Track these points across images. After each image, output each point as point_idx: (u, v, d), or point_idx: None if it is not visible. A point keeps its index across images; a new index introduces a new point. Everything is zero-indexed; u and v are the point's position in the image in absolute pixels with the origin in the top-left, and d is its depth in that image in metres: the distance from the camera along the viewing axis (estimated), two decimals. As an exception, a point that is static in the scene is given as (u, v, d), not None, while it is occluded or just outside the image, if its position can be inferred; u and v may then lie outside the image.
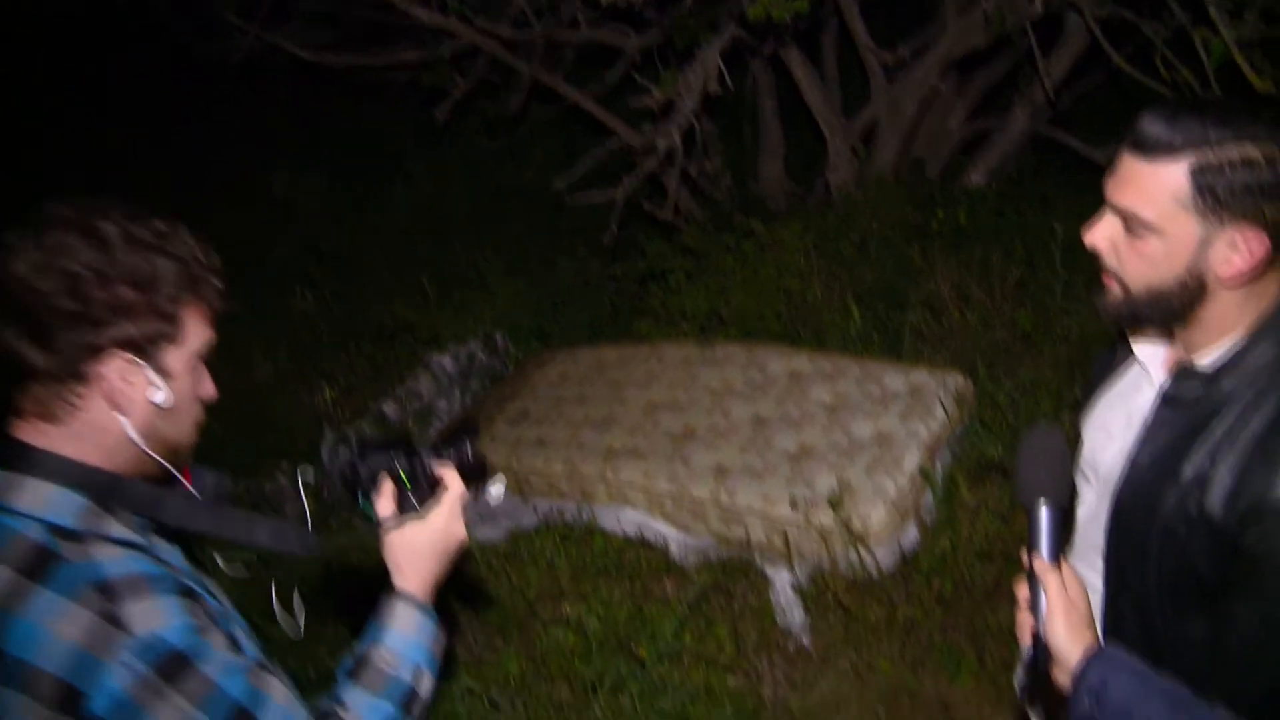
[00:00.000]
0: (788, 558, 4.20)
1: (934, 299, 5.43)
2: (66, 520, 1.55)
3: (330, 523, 4.65)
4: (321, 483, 1.94)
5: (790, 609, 4.14)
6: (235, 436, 5.89)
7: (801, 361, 5.07)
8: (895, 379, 4.79)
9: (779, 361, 5.10)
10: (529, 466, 4.86)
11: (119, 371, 1.58)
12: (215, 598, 1.74)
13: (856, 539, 4.05)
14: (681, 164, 5.60)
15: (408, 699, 1.77)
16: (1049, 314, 5.26)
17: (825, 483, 4.26)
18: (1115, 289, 1.79)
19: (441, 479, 1.92)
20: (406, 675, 1.77)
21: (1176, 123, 1.63)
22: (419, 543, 1.86)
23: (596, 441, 4.88)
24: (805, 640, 4.08)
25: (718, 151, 7.02)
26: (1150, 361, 1.94)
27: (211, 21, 6.34)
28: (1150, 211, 1.67)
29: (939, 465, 4.40)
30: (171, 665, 1.48)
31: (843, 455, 4.41)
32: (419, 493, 1.90)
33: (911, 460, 4.33)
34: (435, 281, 6.90)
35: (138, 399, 1.61)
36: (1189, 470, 1.77)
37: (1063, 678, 1.67)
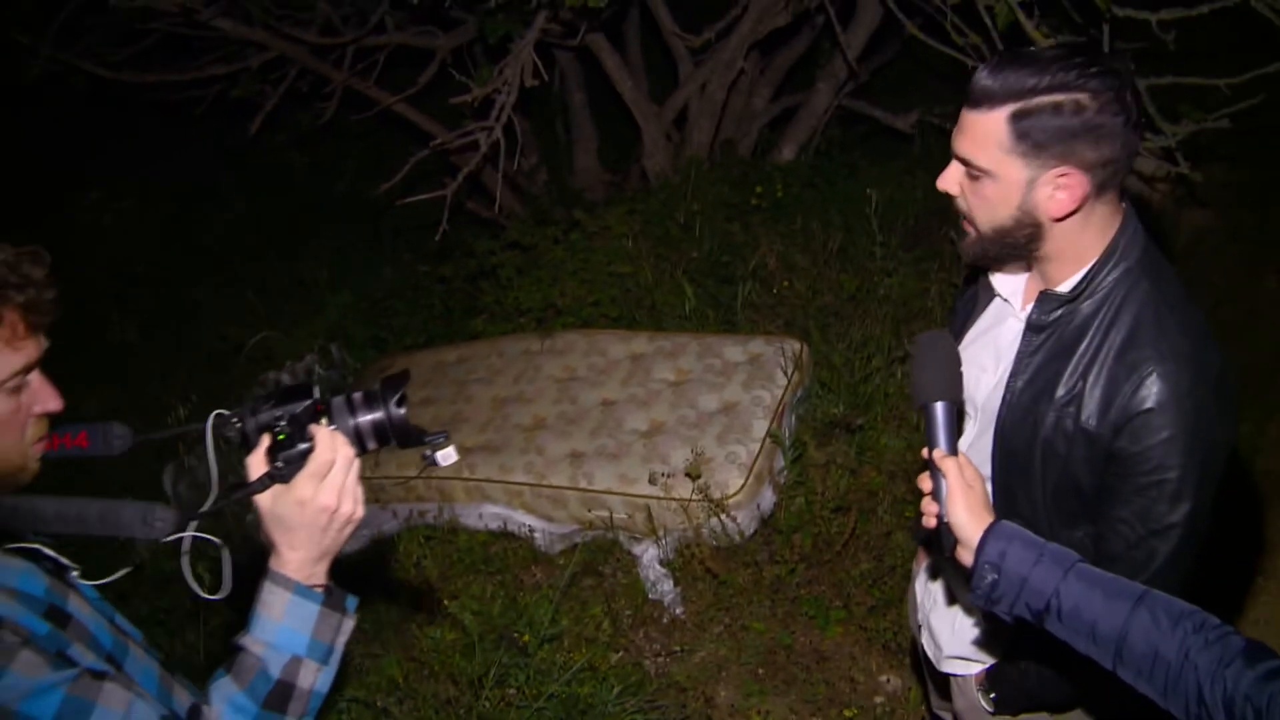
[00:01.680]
0: (652, 533, 4.29)
1: (761, 271, 5.59)
2: None
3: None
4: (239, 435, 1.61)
5: (660, 582, 4.23)
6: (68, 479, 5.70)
7: (641, 343, 5.15)
8: (734, 350, 4.92)
9: (619, 345, 5.17)
10: (383, 472, 4.83)
11: None
12: (59, 614, 1.61)
13: (716, 507, 4.16)
14: (509, 158, 5.61)
15: (276, 695, 1.62)
16: (871, 275, 5.48)
17: (680, 456, 4.35)
18: (970, 231, 1.94)
19: (313, 438, 1.65)
20: (274, 669, 1.61)
21: (999, 74, 1.78)
22: (285, 513, 1.63)
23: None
24: (678, 610, 4.17)
25: (533, 147, 7.06)
26: (1012, 295, 2.09)
27: (-1, 40, 6.08)
28: (982, 158, 1.83)
29: (786, 428, 4.54)
30: None
31: (693, 428, 4.52)
32: (291, 454, 1.63)
33: (760, 426, 4.46)
34: (260, 299, 6.77)
35: None
36: (1063, 390, 1.94)
37: (965, 555, 1.80)
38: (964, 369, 2.01)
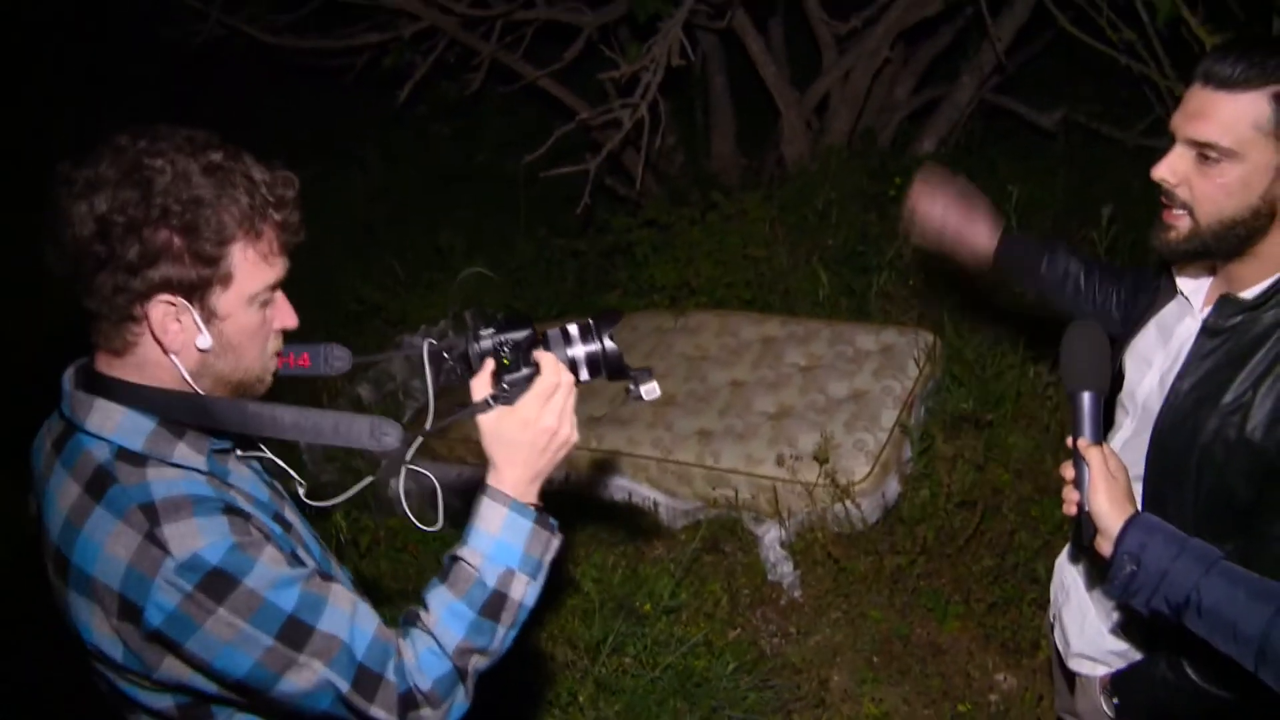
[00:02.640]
0: (775, 514, 4.32)
1: (897, 261, 5.57)
2: (132, 443, 1.60)
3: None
4: (454, 360, 1.69)
5: (780, 563, 4.26)
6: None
7: (773, 326, 5.18)
8: (866, 339, 4.92)
9: (751, 327, 5.21)
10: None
11: (163, 314, 1.57)
12: (283, 520, 1.77)
13: (842, 492, 4.18)
14: (645, 140, 5.67)
15: (491, 604, 1.69)
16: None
17: (807, 440, 4.38)
18: (1183, 223, 1.92)
19: (539, 364, 1.76)
20: (490, 579, 1.69)
21: (1253, 57, 1.78)
22: (507, 433, 1.73)
23: (578, 411, 4.95)
24: (797, 593, 4.21)
25: (672, 128, 7.10)
26: (1193, 295, 2.08)
27: (172, 5, 6.30)
28: (1229, 139, 1.81)
29: (915, 419, 4.54)
30: (214, 583, 1.51)
31: (821, 413, 4.54)
32: (516, 379, 1.74)
33: (889, 415, 4.46)
34: (399, 264, 6.93)
35: (186, 340, 1.61)
36: (1230, 397, 1.91)
37: (1105, 545, 1.81)
38: (1129, 364, 2.00)
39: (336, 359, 1.95)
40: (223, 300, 1.60)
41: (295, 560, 1.64)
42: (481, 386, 1.76)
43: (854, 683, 3.87)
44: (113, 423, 1.60)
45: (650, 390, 1.86)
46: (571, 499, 4.71)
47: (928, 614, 4.03)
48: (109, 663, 1.60)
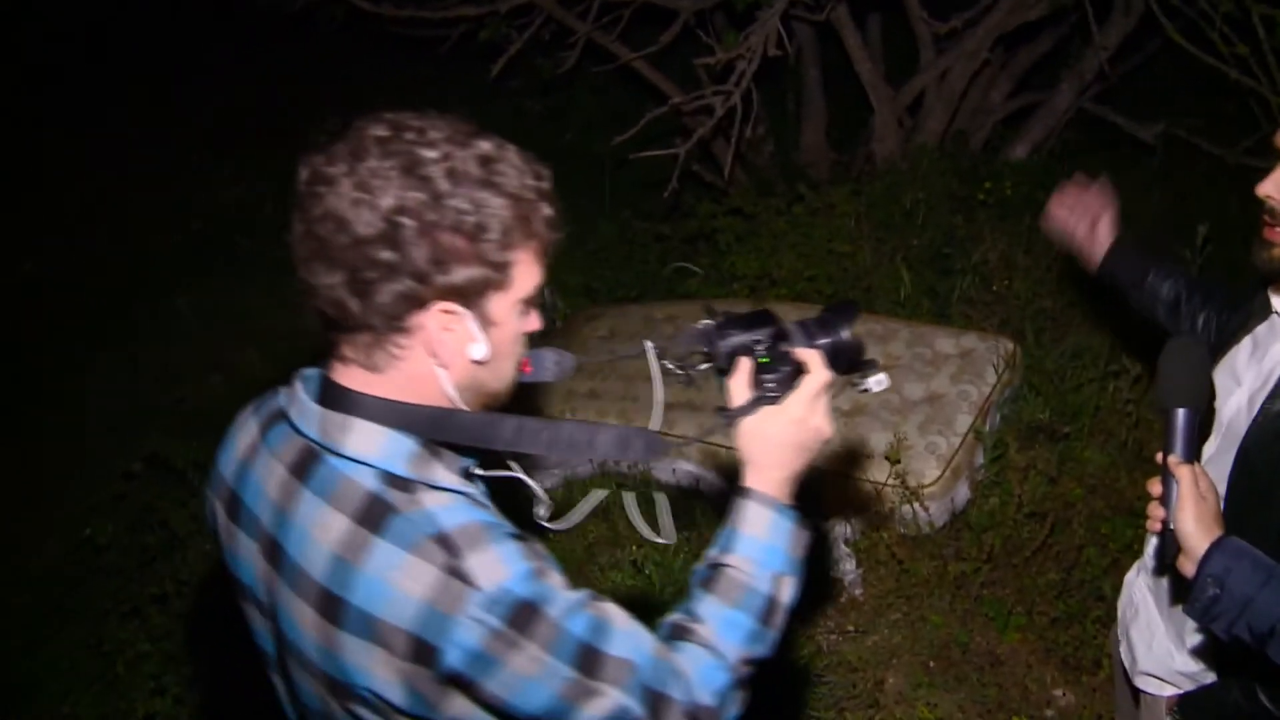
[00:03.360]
0: (841, 511, 4.31)
1: (982, 267, 5.51)
2: (398, 467, 1.49)
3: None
4: (675, 361, 1.65)
5: (843, 560, 4.25)
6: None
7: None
8: (945, 342, 4.88)
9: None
10: (582, 418, 4.95)
11: (440, 322, 1.47)
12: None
13: (910, 494, 4.15)
14: (737, 128, 5.66)
15: (767, 610, 1.64)
16: (1094, 285, 5.34)
17: (879, 439, 4.35)
18: None
19: (804, 363, 1.72)
20: (764, 585, 1.64)
21: None
22: (774, 433, 1.69)
23: (650, 395, 4.98)
24: (858, 591, 4.19)
25: (763, 118, 7.07)
26: None
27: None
28: None
29: (989, 426, 4.50)
30: (521, 615, 1.41)
31: (895, 413, 4.51)
32: (778, 377, 1.70)
33: (963, 420, 4.42)
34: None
35: (458, 350, 1.51)
36: None
37: (1188, 566, 1.78)
38: (1218, 381, 1.97)
39: (559, 362, 1.82)
40: (498, 306, 1.50)
41: (567, 581, 1.56)
42: (741, 386, 1.72)
43: (909, 686, 3.85)
44: (375, 445, 1.50)
45: (879, 381, 1.84)
46: (638, 479, 4.72)
47: (988, 623, 4.00)
48: (382, 706, 1.51)
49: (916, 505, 4.17)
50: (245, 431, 1.70)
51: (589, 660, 1.46)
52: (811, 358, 1.71)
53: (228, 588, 1.76)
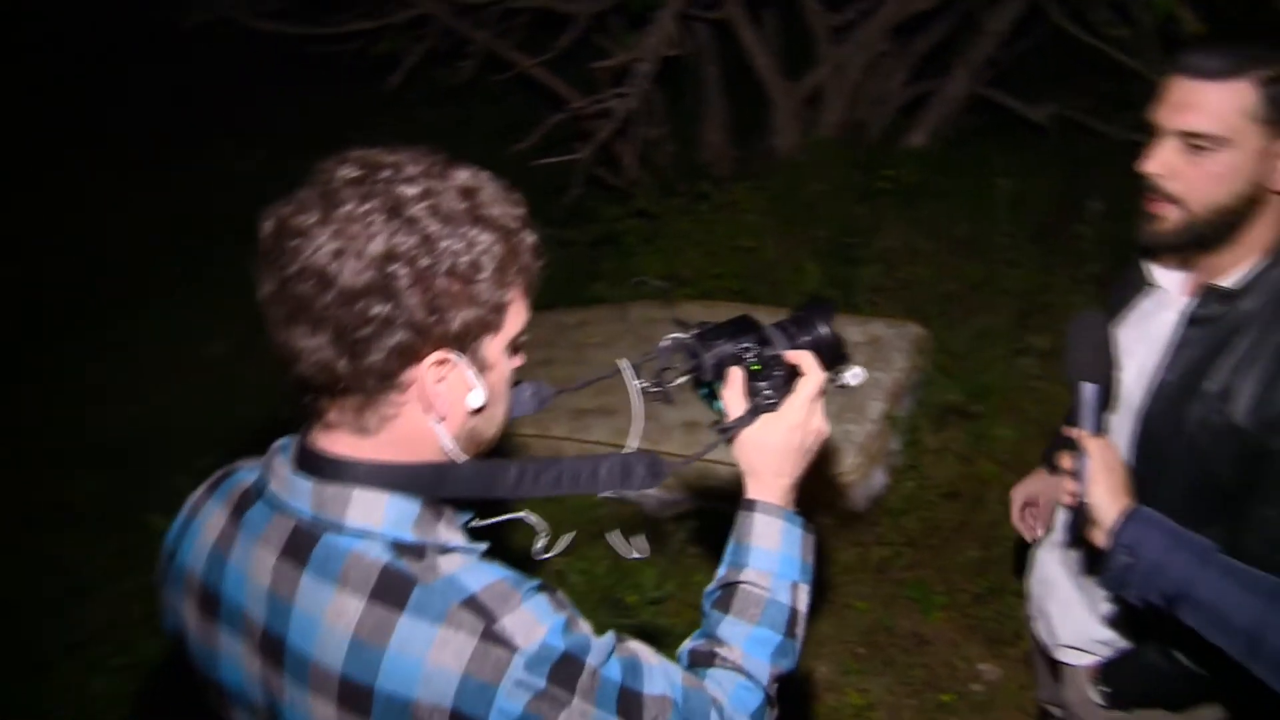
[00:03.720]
0: (760, 505, 4.32)
1: (886, 254, 5.58)
2: (406, 534, 1.36)
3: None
4: (652, 380, 1.74)
5: (765, 554, 4.26)
6: (185, 419, 5.92)
7: (761, 317, 5.14)
8: (854, 330, 4.92)
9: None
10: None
11: (435, 374, 1.34)
12: None
13: (827, 484, 4.19)
14: (638, 128, 5.68)
15: (790, 622, 1.59)
16: (996, 266, 5.44)
17: (794, 431, 4.38)
18: (1173, 214, 1.93)
19: (798, 365, 1.66)
20: (783, 596, 1.59)
21: (1233, 50, 1.81)
22: (776, 441, 1.63)
23: (565, 404, 4.96)
24: (782, 582, 4.21)
25: (663, 118, 7.09)
26: (1171, 286, 2.09)
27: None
28: (1220, 127, 1.83)
29: (902, 411, 4.55)
30: (564, 670, 1.31)
31: (809, 405, 4.54)
32: (772, 383, 1.64)
33: (876, 407, 4.47)
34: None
35: (455, 401, 1.38)
36: (1213, 385, 1.93)
37: (1100, 537, 1.81)
38: None
39: (536, 394, 1.74)
40: (491, 348, 1.39)
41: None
42: (737, 398, 1.65)
43: (838, 673, 3.88)
44: (379, 514, 1.36)
45: (856, 374, 1.78)
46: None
47: (912, 605, 4.05)
48: None
49: (834, 493, 4.20)
50: (209, 516, 1.52)
51: (630, 704, 1.36)
52: (804, 359, 1.66)
53: (182, 694, 1.59)
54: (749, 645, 1.55)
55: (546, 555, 1.63)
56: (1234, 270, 1.94)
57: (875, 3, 6.25)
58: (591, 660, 1.34)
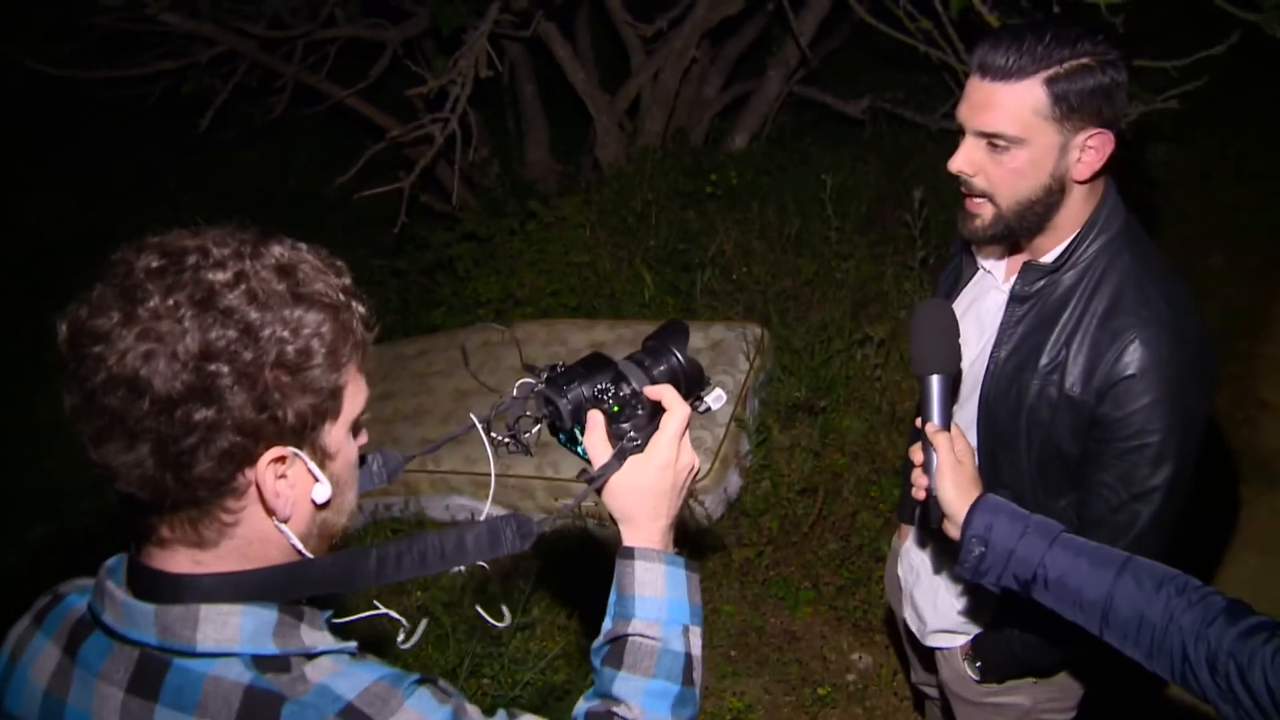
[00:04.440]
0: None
1: (719, 258, 5.62)
2: (265, 647, 1.24)
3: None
4: (507, 433, 1.66)
5: (627, 568, 4.23)
6: (23, 482, 5.64)
7: (602, 331, 5.16)
8: (695, 336, 4.93)
9: (579, 334, 5.17)
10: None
11: (274, 473, 1.22)
12: None
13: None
14: (458, 153, 5.61)
15: (686, 670, 1.51)
16: (827, 260, 5.52)
17: (646, 442, 4.36)
18: (986, 209, 1.97)
19: (660, 400, 1.58)
20: (676, 644, 1.51)
21: (1022, 46, 1.82)
22: (646, 483, 1.55)
23: (411, 434, 4.86)
24: (648, 595, 4.18)
25: (485, 140, 7.04)
26: (995, 269, 2.13)
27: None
28: (1014, 127, 1.86)
29: (749, 412, 4.57)
30: None
31: (658, 414, 4.53)
32: (635, 423, 1.57)
33: (723, 410, 4.48)
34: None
35: (299, 498, 1.26)
36: (1046, 359, 1.98)
37: (953, 530, 1.83)
38: None
39: (385, 465, 1.64)
40: (332, 435, 1.27)
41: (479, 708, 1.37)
42: (600, 443, 1.56)
43: (714, 679, 3.87)
44: (233, 629, 1.23)
45: (716, 398, 1.73)
46: (413, 523, 4.62)
47: (779, 603, 4.07)
48: None
49: (691, 501, 4.19)
50: (37, 655, 1.34)
51: None
52: (666, 394, 1.58)
53: None
54: (646, 700, 1.48)
55: (408, 645, 1.53)
56: (1052, 248, 2.00)
57: (684, 10, 6.30)
58: None
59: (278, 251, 1.21)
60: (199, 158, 7.87)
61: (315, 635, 1.28)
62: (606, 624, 1.54)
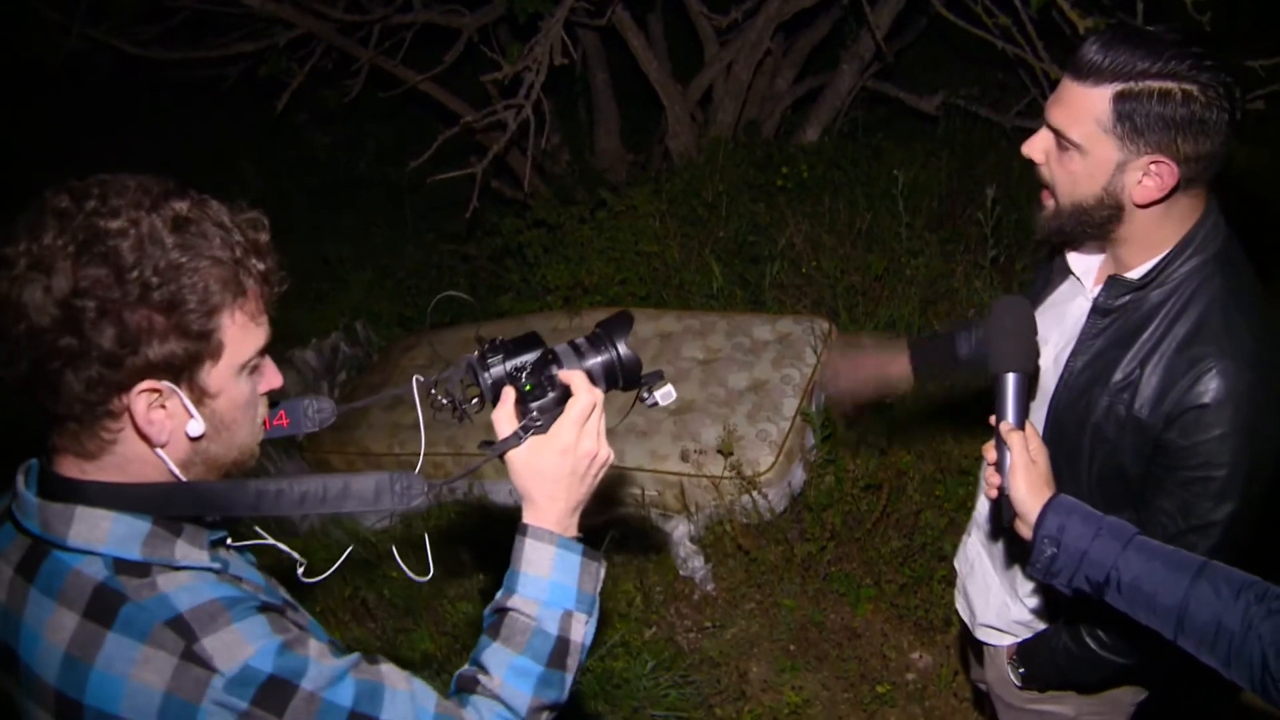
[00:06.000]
0: (683, 510, 4.31)
1: (789, 251, 5.60)
2: (129, 551, 1.38)
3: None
4: (449, 397, 1.70)
5: (690, 559, 4.25)
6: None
7: (669, 321, 5.17)
8: (762, 329, 4.94)
9: (647, 323, 5.18)
10: (411, 450, 4.85)
11: (147, 404, 1.36)
12: (291, 606, 1.57)
13: (748, 484, 4.18)
14: (531, 140, 5.63)
15: (556, 653, 1.56)
16: (897, 256, 5.48)
17: (710, 434, 4.38)
18: (1049, 202, 1.94)
19: (568, 385, 1.63)
20: (551, 626, 1.56)
21: (1110, 50, 1.76)
22: (545, 465, 1.60)
23: (478, 418, 4.89)
24: (710, 587, 4.20)
25: (556, 128, 7.06)
26: (1084, 274, 2.10)
27: (29, 20, 6.03)
28: (1075, 131, 1.82)
29: (816, 406, 4.56)
30: (271, 693, 1.33)
31: (723, 406, 4.54)
32: (544, 404, 1.61)
33: (790, 404, 4.48)
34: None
35: (173, 429, 1.39)
36: (1120, 375, 1.95)
37: (1024, 530, 1.82)
38: None
39: (319, 411, 1.77)
40: (213, 376, 1.40)
41: (336, 648, 1.47)
42: (506, 418, 1.62)
43: (773, 672, 3.88)
44: (102, 531, 1.37)
45: (666, 394, 1.74)
46: (476, 506, 4.66)
47: (840, 599, 4.06)
48: None
49: (755, 494, 4.20)
50: None
51: None
52: (575, 379, 1.62)
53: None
54: (510, 675, 1.54)
55: (315, 579, 1.67)
56: (1141, 263, 1.96)
57: (759, 2, 6.28)
58: (307, 685, 1.35)
59: (179, 205, 1.35)
60: (273, 141, 7.95)
61: (188, 550, 1.42)
62: (498, 595, 1.61)
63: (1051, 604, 2.28)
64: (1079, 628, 2.13)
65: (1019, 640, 2.41)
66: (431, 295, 6.56)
